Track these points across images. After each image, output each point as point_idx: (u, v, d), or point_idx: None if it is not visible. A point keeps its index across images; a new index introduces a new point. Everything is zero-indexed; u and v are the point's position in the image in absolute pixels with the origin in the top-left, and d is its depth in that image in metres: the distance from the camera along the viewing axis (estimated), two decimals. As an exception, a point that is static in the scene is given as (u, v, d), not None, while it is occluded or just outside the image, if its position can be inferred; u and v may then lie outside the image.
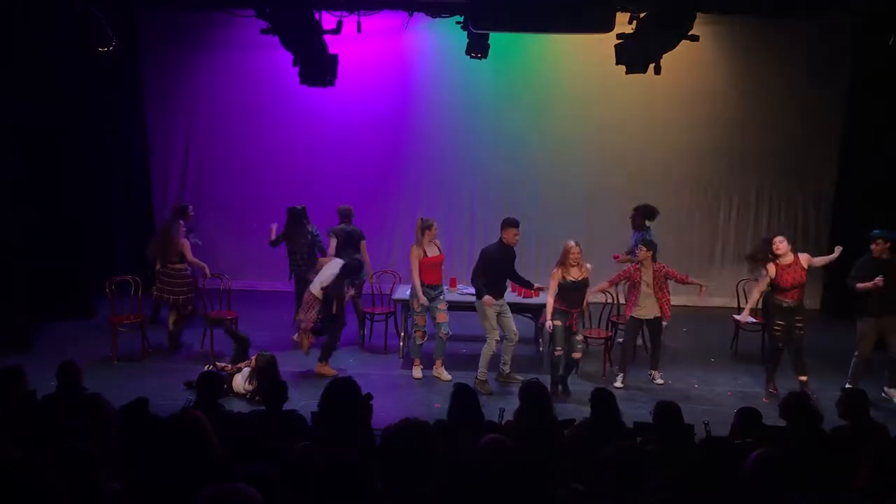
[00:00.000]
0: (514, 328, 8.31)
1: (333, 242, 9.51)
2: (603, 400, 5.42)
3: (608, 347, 8.85)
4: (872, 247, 7.88)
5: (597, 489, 3.84)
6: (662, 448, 4.67)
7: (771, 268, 7.98)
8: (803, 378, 8.05)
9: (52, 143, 10.08)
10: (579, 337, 7.99)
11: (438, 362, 8.52)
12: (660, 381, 8.44)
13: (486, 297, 8.11)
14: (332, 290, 8.43)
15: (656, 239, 9.02)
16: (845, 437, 5.18)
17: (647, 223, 9.43)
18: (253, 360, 7.70)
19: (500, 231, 8.22)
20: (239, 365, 7.90)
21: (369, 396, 5.34)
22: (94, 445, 3.71)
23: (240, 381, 7.73)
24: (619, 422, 5.39)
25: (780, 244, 7.96)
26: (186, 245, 9.07)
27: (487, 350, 8.22)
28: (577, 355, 8.00)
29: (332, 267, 8.59)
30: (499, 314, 8.25)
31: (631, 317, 8.27)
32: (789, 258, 7.94)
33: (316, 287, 8.52)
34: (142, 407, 5.14)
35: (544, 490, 3.73)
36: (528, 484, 3.70)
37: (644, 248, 8.22)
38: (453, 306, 8.66)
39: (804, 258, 8.03)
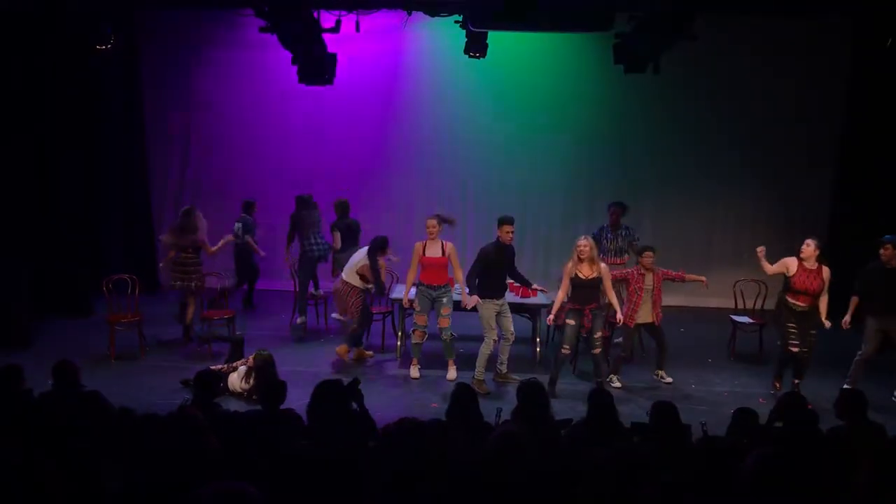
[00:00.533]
0: (512, 328, 8.30)
1: (338, 237, 9.83)
2: (600, 400, 5.42)
3: (606, 347, 8.84)
4: (881, 251, 7.78)
5: (594, 489, 3.84)
6: (659, 448, 4.67)
7: (793, 263, 7.93)
8: (796, 381, 8.06)
9: (51, 142, 10.07)
10: (597, 335, 7.97)
11: (450, 363, 8.52)
12: (668, 379, 8.41)
13: (472, 298, 8.13)
14: (371, 269, 8.59)
15: (638, 236, 9.29)
16: (842, 437, 5.18)
17: (622, 220, 9.51)
18: (250, 359, 7.70)
19: (496, 229, 8.22)
20: (235, 364, 7.89)
21: (356, 382, 5.32)
22: (92, 444, 3.71)
23: (236, 380, 7.72)
24: (616, 422, 5.39)
25: (806, 248, 7.85)
26: (205, 242, 9.27)
27: (485, 349, 8.19)
28: (596, 351, 7.98)
29: (358, 254, 8.75)
30: (498, 314, 8.23)
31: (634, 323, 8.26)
32: (813, 264, 7.84)
33: (349, 273, 8.70)
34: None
35: (541, 488, 3.73)
36: (537, 479, 3.71)
37: (651, 254, 8.20)
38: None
39: (827, 273, 7.86)
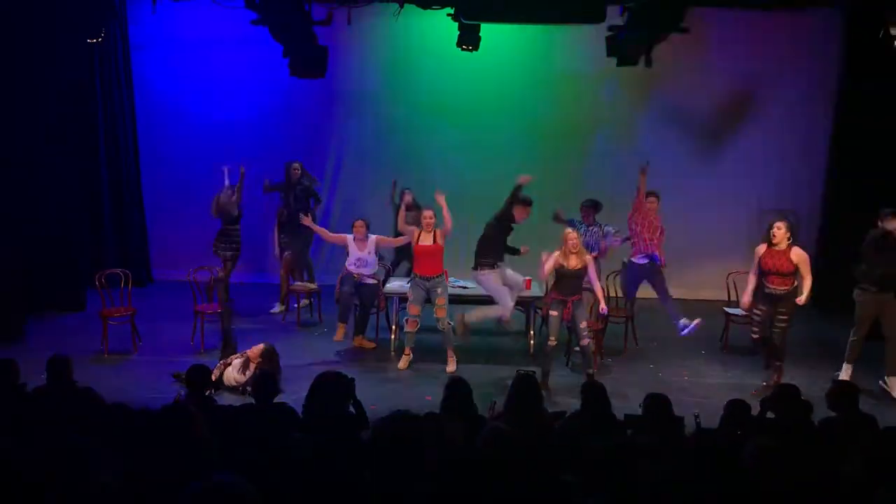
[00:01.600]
0: (518, 277, 8.60)
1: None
2: (593, 392, 5.44)
3: (600, 340, 8.86)
4: (885, 223, 7.77)
5: (588, 481, 3.85)
6: (653, 440, 4.68)
7: (761, 247, 7.97)
8: (778, 364, 8.03)
9: (41, 137, 10.02)
10: (583, 325, 7.99)
11: (449, 353, 8.53)
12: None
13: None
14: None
15: (613, 229, 9.32)
16: (834, 428, 5.20)
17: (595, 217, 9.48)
18: (245, 353, 7.70)
19: (511, 207, 8.38)
20: (229, 359, 7.88)
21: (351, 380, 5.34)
22: (86, 439, 3.70)
23: (231, 374, 7.72)
24: (609, 414, 5.40)
25: (777, 231, 7.84)
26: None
27: (491, 312, 8.39)
28: (585, 342, 8.00)
29: None
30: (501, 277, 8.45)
31: None
32: (783, 245, 7.84)
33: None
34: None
35: (535, 481, 3.74)
36: (524, 474, 3.71)
37: (654, 199, 8.62)
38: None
39: (797, 254, 7.82)
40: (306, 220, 9.35)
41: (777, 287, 7.83)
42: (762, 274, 7.92)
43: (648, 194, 8.84)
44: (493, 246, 8.43)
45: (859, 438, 4.48)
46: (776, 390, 5.56)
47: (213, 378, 7.25)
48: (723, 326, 9.50)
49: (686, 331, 8.64)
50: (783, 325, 7.87)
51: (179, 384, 7.34)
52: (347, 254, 9.05)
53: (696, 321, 8.62)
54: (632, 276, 9.04)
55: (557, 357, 8.26)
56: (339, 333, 8.93)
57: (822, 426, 5.29)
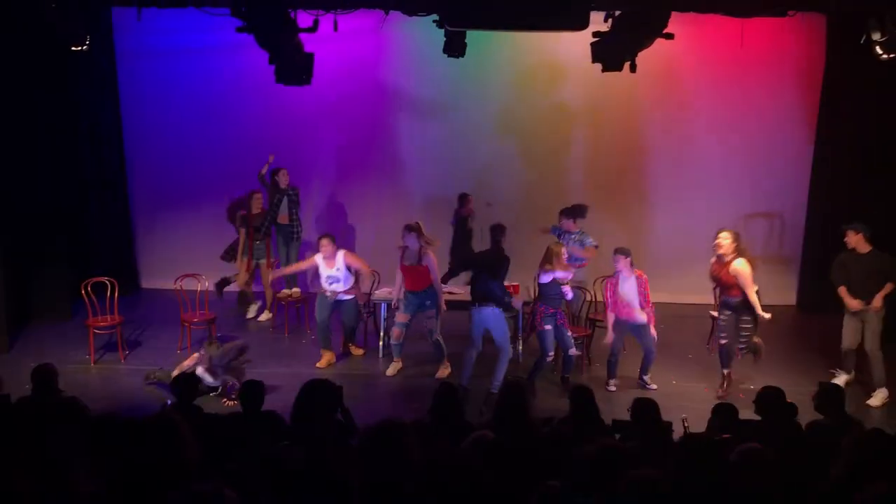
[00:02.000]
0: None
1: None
2: (581, 397, 5.45)
3: (587, 346, 8.87)
4: (846, 239, 7.87)
5: (576, 486, 3.85)
6: (641, 445, 4.69)
7: (712, 257, 7.98)
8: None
9: (29, 144, 9.97)
10: (569, 333, 8.00)
11: (444, 360, 8.52)
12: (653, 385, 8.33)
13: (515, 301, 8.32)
14: None
15: (594, 242, 9.17)
16: (821, 431, 5.22)
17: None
18: (192, 358, 7.85)
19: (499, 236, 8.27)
20: (182, 365, 7.81)
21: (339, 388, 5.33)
22: (70, 449, 3.68)
23: (209, 379, 7.65)
24: (597, 419, 5.41)
25: (721, 241, 7.70)
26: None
27: (503, 365, 7.90)
28: (573, 352, 8.02)
29: None
30: None
31: None
32: (728, 257, 7.68)
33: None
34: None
35: (524, 486, 3.74)
36: (511, 480, 3.71)
37: (621, 256, 8.08)
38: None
39: (734, 268, 7.63)
40: (276, 274, 9.49)
41: (729, 297, 7.87)
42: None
43: (616, 251, 8.12)
44: (497, 284, 8.25)
45: (846, 440, 4.49)
46: (760, 394, 5.55)
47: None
48: (710, 330, 9.53)
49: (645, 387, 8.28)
50: (748, 330, 7.86)
51: (150, 381, 7.64)
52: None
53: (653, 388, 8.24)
54: (618, 327, 8.22)
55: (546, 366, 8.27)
56: (323, 361, 8.76)
57: (809, 429, 5.31)
